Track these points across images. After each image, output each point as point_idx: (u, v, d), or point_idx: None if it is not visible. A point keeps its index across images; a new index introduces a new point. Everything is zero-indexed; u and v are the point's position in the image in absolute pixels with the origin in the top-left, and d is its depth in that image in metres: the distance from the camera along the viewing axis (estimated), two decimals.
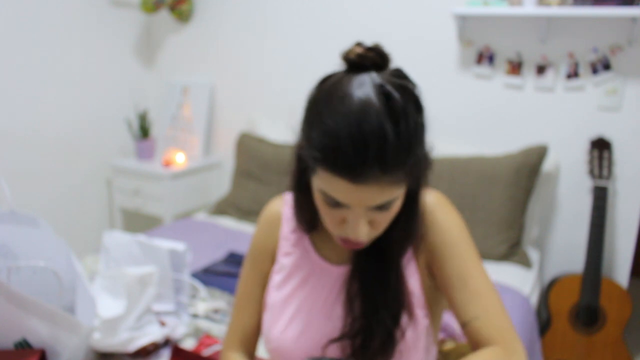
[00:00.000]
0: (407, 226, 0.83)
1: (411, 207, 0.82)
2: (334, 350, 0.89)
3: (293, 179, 0.86)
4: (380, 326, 0.83)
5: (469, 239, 0.87)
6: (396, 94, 0.69)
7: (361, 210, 0.74)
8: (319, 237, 0.95)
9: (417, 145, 0.72)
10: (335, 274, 0.91)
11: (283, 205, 1.00)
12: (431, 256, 0.87)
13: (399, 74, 0.74)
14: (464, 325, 0.81)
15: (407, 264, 0.88)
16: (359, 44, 0.74)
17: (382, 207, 0.74)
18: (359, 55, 0.72)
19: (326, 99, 0.72)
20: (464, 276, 0.82)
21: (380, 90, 0.69)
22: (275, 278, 0.98)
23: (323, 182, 0.73)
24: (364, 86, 0.70)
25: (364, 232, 0.75)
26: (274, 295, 0.96)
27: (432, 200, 0.88)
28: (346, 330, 0.86)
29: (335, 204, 0.75)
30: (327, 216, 0.78)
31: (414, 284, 0.88)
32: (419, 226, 0.85)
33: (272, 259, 1.00)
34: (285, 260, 0.97)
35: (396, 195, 0.74)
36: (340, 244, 0.80)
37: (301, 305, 0.93)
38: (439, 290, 0.91)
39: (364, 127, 0.67)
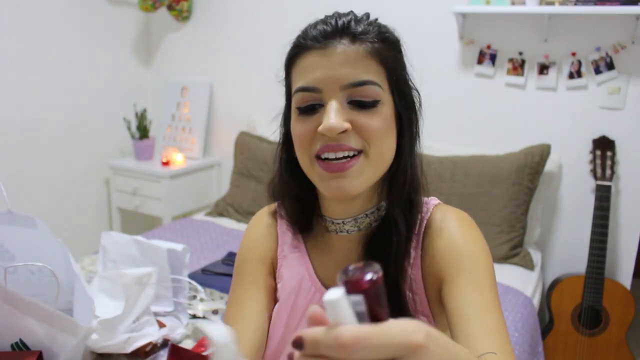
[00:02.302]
0: (401, 189, 0.76)
1: (403, 159, 0.77)
2: None
3: (281, 158, 0.84)
4: None
5: (490, 262, 0.77)
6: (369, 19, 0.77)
7: (337, 97, 0.71)
8: (319, 259, 0.86)
9: (392, 43, 0.77)
10: None
11: (277, 218, 0.91)
12: (441, 273, 0.76)
13: None
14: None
15: (413, 283, 0.79)
16: None
17: (362, 103, 0.71)
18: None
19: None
20: (480, 308, 0.71)
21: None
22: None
23: (298, 76, 0.75)
24: None
25: (339, 120, 0.69)
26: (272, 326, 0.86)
27: (451, 214, 0.80)
28: None
29: (311, 108, 0.73)
30: (301, 132, 0.74)
31: (422, 304, 0.79)
32: (417, 219, 0.78)
33: (271, 272, 0.90)
34: (282, 284, 0.87)
35: (372, 77, 0.72)
36: (321, 170, 0.73)
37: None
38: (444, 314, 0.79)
39: (335, 14, 0.76)
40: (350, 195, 0.73)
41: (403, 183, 0.77)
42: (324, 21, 0.75)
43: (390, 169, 0.77)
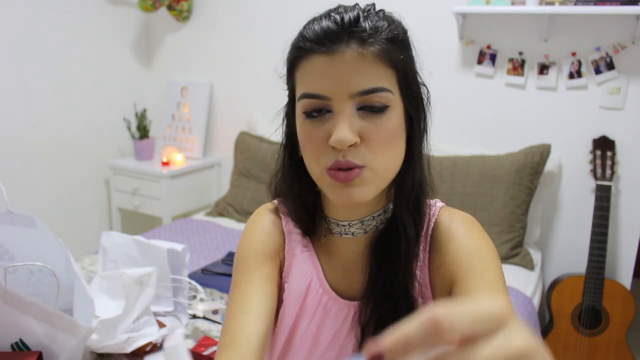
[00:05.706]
0: (409, 190, 0.74)
1: (412, 161, 0.76)
2: None
3: (284, 158, 0.82)
4: None
5: (499, 264, 0.76)
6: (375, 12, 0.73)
7: (346, 106, 0.68)
8: (325, 260, 0.84)
9: (402, 42, 0.72)
10: (346, 309, 0.81)
11: (281, 216, 0.87)
12: (452, 276, 0.75)
13: None
14: None
15: (422, 287, 0.78)
16: None
17: (372, 108, 0.68)
18: None
19: None
20: None
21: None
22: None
23: (303, 80, 0.71)
24: None
25: (350, 134, 0.67)
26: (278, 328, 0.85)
27: (458, 216, 0.80)
28: None
29: (317, 111, 0.70)
30: (311, 141, 0.71)
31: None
32: (424, 216, 0.77)
33: (279, 268, 0.86)
34: (290, 284, 0.85)
35: (381, 83, 0.68)
36: (331, 180, 0.70)
37: (304, 341, 0.82)
38: None
39: (339, 8, 0.71)
40: (358, 203, 0.72)
41: (411, 186, 0.76)
42: (328, 16, 0.70)
43: (399, 173, 0.75)
